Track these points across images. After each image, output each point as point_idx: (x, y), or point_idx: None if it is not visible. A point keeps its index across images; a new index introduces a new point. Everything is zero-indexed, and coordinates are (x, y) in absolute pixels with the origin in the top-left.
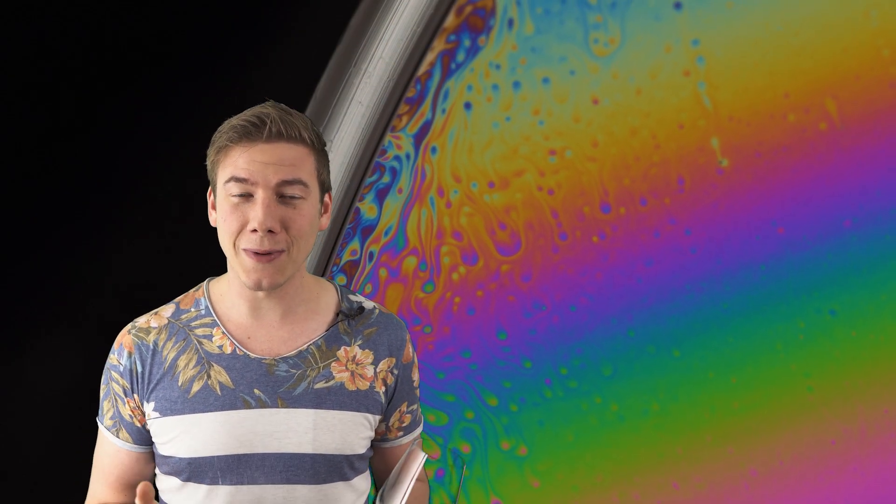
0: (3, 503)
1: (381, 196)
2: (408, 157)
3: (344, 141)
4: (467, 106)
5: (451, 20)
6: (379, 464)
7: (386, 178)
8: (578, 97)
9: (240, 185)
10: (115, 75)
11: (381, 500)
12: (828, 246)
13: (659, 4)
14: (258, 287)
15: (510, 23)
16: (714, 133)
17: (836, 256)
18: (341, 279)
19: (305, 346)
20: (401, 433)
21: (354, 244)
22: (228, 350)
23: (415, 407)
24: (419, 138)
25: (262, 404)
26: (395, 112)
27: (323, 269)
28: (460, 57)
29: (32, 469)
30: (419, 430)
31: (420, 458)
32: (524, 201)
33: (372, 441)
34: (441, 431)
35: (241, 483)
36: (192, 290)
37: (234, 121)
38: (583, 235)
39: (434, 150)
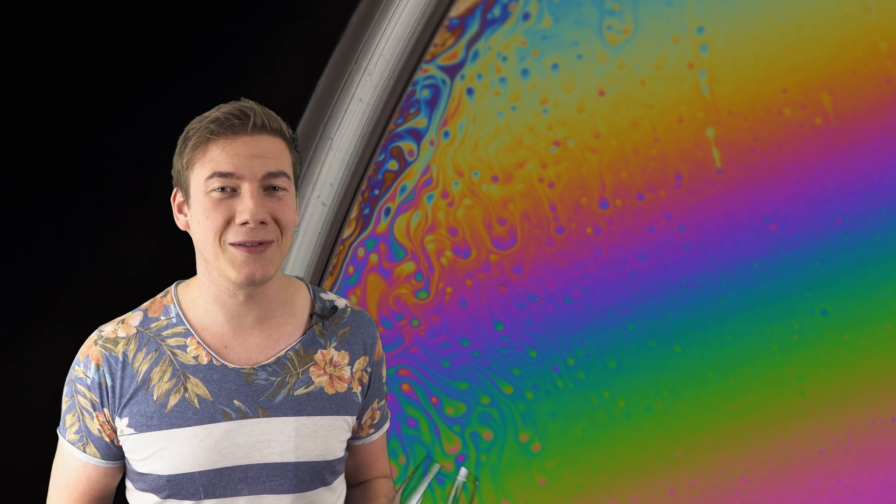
0: (7, 501)
1: (430, 106)
2: (444, 82)
3: (344, 139)
4: (469, 92)
5: None
6: (350, 460)
7: (426, 93)
8: (585, 87)
9: (223, 180)
10: (114, 74)
11: None
12: (820, 245)
13: None
14: (251, 281)
15: (525, 16)
16: (711, 125)
17: (827, 256)
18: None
19: (283, 352)
20: (372, 430)
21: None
22: (205, 361)
23: (383, 403)
24: (452, 72)
25: (242, 415)
26: (432, 40)
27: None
28: (496, 11)
29: (35, 468)
30: (387, 425)
31: None
32: (523, 192)
33: None
34: (460, 420)
35: (225, 496)
36: (158, 296)
37: (212, 115)
38: (578, 227)
39: (447, 134)
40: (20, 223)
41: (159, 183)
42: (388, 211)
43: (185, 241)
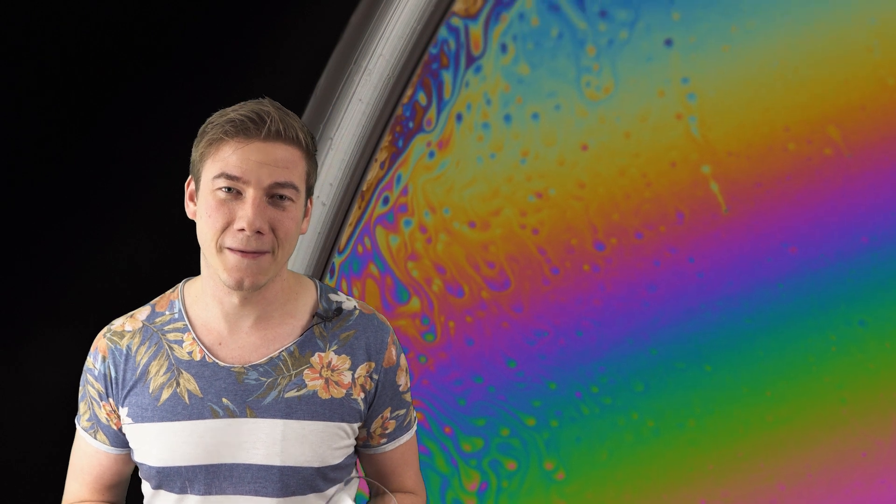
0: (6, 501)
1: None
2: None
3: (344, 139)
4: (458, 119)
5: None
6: (368, 468)
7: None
8: (565, 141)
9: (230, 182)
10: (114, 74)
11: None
12: (848, 262)
13: (651, 45)
14: (239, 286)
15: (503, 48)
16: (707, 163)
17: (858, 271)
18: None
19: (277, 352)
20: (384, 440)
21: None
22: (198, 357)
23: (401, 412)
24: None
25: (230, 414)
26: (432, 40)
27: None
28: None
29: (37, 467)
30: (407, 436)
31: None
32: (504, 237)
33: (356, 447)
34: (477, 455)
35: (210, 493)
36: (168, 292)
37: (231, 114)
38: (573, 266)
39: (431, 154)
40: (20, 223)
41: (159, 183)
42: (386, 200)
43: (184, 241)
